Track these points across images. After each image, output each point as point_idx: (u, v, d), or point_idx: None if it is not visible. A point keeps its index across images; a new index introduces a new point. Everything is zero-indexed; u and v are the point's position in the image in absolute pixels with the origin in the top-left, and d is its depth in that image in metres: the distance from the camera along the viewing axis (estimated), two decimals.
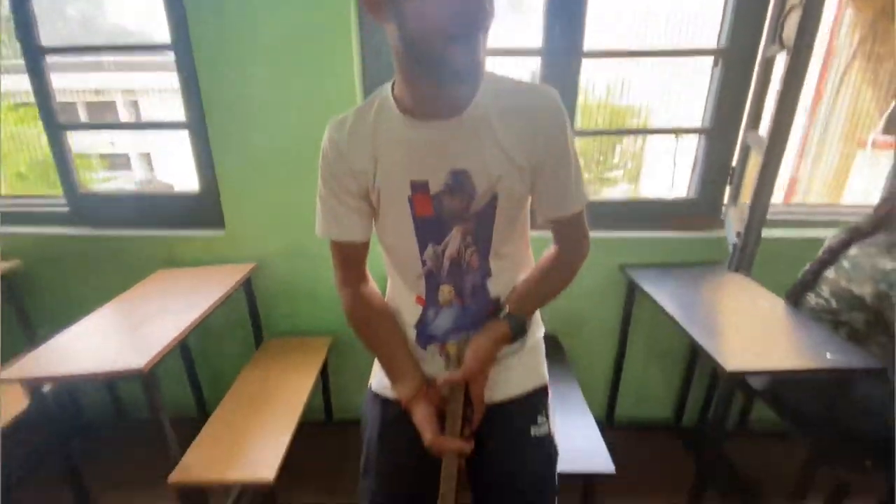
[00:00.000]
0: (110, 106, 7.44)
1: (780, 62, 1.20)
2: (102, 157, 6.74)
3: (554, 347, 1.57)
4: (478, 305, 0.80)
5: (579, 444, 1.15)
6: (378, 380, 0.90)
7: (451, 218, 0.73)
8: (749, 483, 1.56)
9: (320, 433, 1.75)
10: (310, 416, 1.36)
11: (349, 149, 0.71)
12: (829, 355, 1.03)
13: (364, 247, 0.80)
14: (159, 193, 1.71)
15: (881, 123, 4.09)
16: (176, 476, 1.07)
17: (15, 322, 1.66)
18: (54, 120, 1.58)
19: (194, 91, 1.44)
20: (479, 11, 0.57)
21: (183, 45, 1.41)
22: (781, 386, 1.33)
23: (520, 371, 0.83)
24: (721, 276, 1.45)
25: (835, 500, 1.18)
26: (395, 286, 0.87)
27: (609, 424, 1.82)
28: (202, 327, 1.26)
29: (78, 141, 1.68)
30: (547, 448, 0.81)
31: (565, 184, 0.73)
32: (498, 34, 1.26)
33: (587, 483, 1.14)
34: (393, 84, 0.70)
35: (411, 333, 0.83)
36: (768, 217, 1.61)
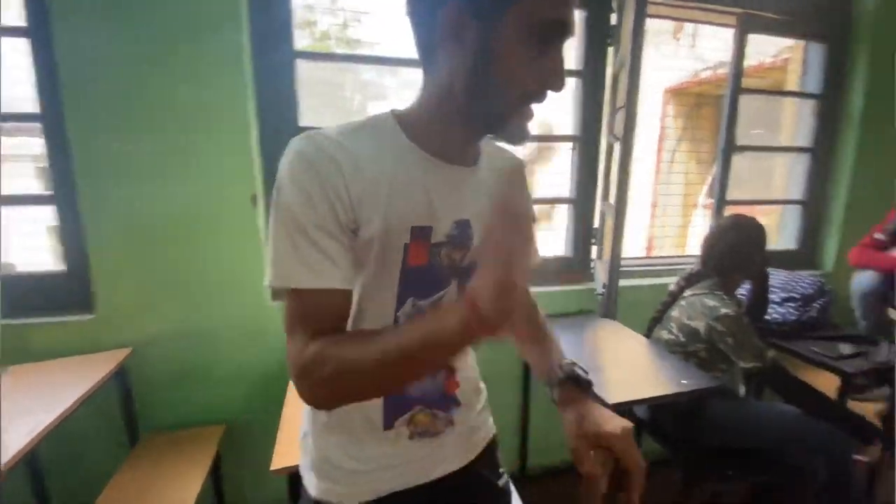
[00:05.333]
0: None
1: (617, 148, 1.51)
2: None
3: None
4: (443, 375, 0.68)
5: None
6: (322, 483, 0.66)
7: (447, 270, 0.63)
8: None
9: None
10: None
11: (345, 162, 0.54)
12: (683, 381, 1.22)
13: (348, 299, 0.57)
14: (12, 275, 1.48)
15: (705, 190, 5.14)
16: None
17: None
18: None
19: (62, 162, 1.34)
20: (563, 79, 0.55)
21: (53, 114, 1.32)
22: (657, 413, 1.52)
23: (484, 428, 0.78)
24: (595, 322, 1.66)
25: None
26: None
27: (522, 476, 1.86)
28: (58, 431, 1.08)
29: None
30: (508, 498, 0.82)
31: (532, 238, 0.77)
32: None
33: None
34: (399, 117, 0.60)
35: (373, 412, 0.64)
36: (632, 268, 1.90)
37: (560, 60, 0.55)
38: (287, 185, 0.54)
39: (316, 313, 0.54)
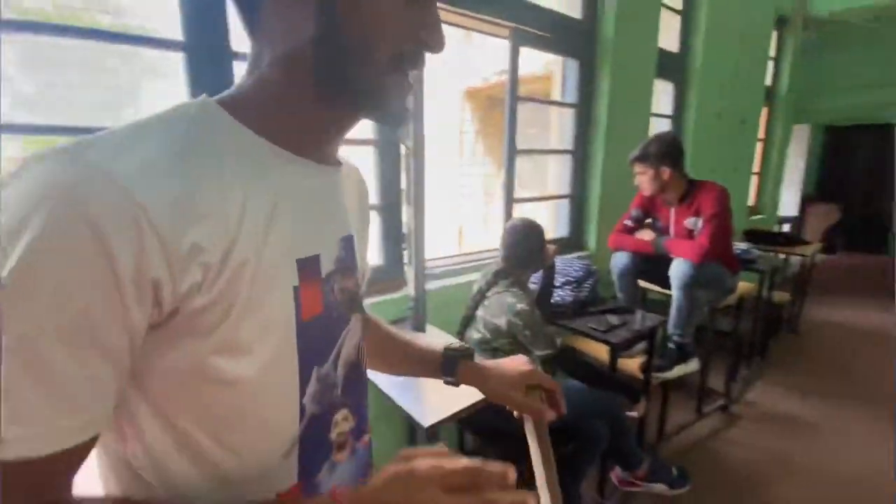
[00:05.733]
0: None
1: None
2: None
3: None
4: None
5: None
6: None
7: (342, 308, 0.47)
8: None
9: None
10: None
11: (161, 197, 0.32)
12: None
13: (91, 447, 0.35)
14: None
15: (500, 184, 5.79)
16: None
17: None
18: None
19: None
20: (443, 33, 0.43)
21: None
22: (475, 413, 1.57)
23: None
24: (410, 331, 1.62)
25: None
26: None
27: None
28: None
29: None
30: None
31: (365, 249, 0.65)
32: None
33: None
34: (228, 106, 0.40)
35: None
36: (442, 268, 1.92)
37: (436, 9, 0.43)
38: (18, 260, 0.29)
39: (33, 485, 0.32)
